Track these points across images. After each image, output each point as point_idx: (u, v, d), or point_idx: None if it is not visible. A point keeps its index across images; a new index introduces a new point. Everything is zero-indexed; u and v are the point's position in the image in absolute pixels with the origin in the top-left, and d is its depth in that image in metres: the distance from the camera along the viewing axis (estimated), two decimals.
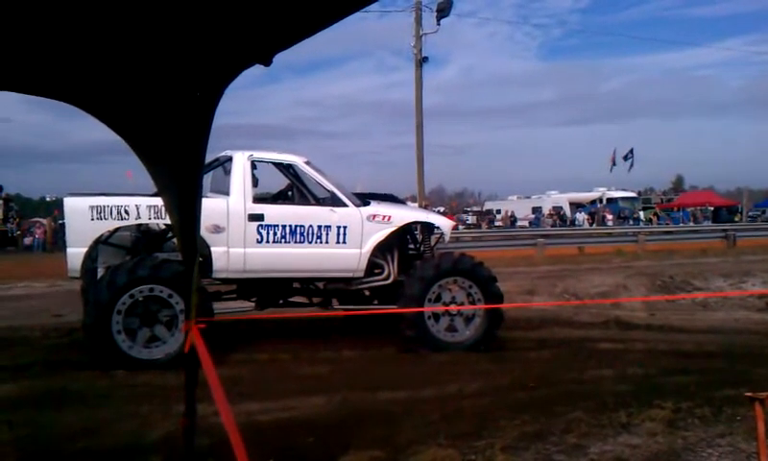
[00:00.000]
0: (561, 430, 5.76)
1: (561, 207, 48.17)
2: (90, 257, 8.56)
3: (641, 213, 45.46)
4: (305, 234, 8.81)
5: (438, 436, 5.57)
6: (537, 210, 48.49)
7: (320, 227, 8.87)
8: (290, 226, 8.79)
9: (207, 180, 9.01)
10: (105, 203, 8.32)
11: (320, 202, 9.12)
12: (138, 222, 8.56)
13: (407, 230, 9.81)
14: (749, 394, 4.41)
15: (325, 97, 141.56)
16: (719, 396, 6.45)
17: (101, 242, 8.62)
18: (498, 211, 53.35)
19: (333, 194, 9.13)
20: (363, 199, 9.64)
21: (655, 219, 44.56)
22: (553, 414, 6.18)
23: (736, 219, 42.59)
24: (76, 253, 8.27)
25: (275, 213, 8.81)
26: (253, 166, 8.97)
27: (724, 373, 7.69)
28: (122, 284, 7.98)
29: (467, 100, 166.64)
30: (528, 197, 54.44)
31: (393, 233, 9.24)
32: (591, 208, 44.73)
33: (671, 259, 21.08)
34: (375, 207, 9.36)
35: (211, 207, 8.41)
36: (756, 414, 4.26)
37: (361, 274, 9.15)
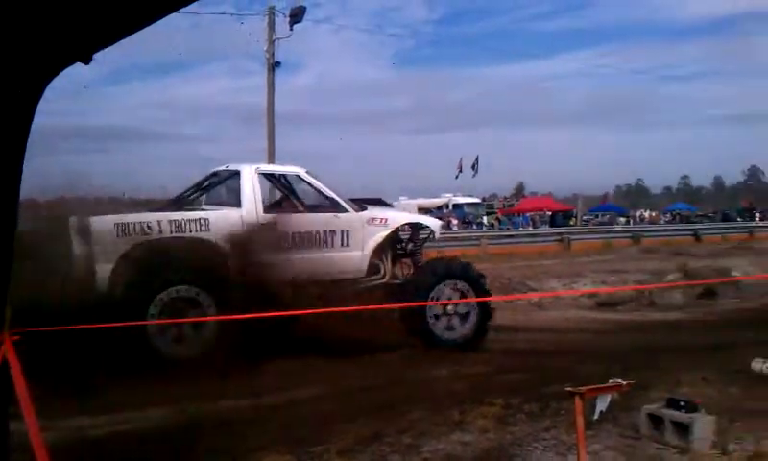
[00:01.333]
0: (397, 431, 5.84)
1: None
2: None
3: (485, 218, 47.12)
4: (313, 240, 9.17)
5: (277, 443, 5.50)
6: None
7: (325, 232, 9.26)
8: (299, 233, 9.09)
9: (221, 193, 9.79)
10: (129, 220, 8.45)
11: (323, 208, 9.56)
12: (161, 237, 8.56)
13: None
14: (569, 389, 4.66)
15: (178, 99, 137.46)
16: (547, 392, 6.76)
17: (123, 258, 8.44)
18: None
19: (335, 200, 9.57)
20: (359, 204, 10.01)
21: (497, 223, 46.29)
22: (391, 415, 6.28)
23: (571, 223, 44.96)
24: (103, 269, 8.22)
25: (284, 222, 9.14)
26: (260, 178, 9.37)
27: (553, 370, 8.07)
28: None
29: (321, 106, 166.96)
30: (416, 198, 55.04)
31: (389, 235, 9.75)
32: (438, 214, 46.00)
33: (510, 262, 21.99)
34: (373, 211, 9.90)
35: (225, 219, 8.86)
36: (575, 408, 4.49)
37: (363, 274, 9.55)
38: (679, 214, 58.85)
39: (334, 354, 8.59)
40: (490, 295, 9.97)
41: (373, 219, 9.67)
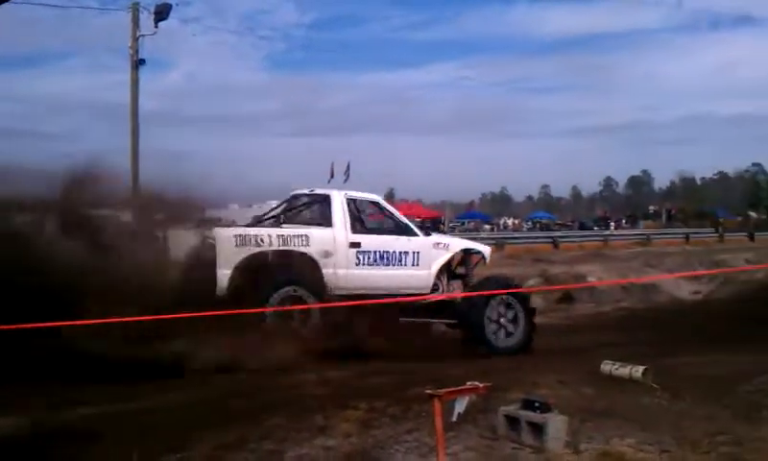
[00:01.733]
0: (259, 437, 5.73)
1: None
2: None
3: None
4: (390, 258, 10.69)
5: (132, 452, 5.26)
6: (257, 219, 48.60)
7: (401, 252, 10.73)
8: (379, 252, 10.65)
9: (305, 213, 11.56)
10: (246, 233, 10.11)
11: (397, 231, 11.03)
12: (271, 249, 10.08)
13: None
14: (429, 391, 4.72)
15: (36, 94, 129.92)
16: (410, 394, 6.80)
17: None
18: (219, 220, 52.55)
19: (407, 225, 11.24)
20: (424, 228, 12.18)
21: None
22: (255, 422, 6.15)
23: (440, 230, 46.01)
24: (224, 273, 9.70)
25: (368, 241, 10.62)
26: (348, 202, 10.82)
27: (417, 372, 8.17)
28: None
29: (191, 106, 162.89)
30: (250, 205, 54.25)
31: (449, 258, 11.28)
32: None
33: None
34: (438, 237, 11.92)
35: (321, 237, 10.41)
36: (434, 410, 4.56)
37: (428, 291, 10.85)
38: (539, 222, 61.49)
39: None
40: (534, 311, 11.41)
41: (438, 243, 11.22)
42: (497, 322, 10.81)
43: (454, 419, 5.38)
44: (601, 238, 39.33)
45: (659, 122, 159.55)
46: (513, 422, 5.57)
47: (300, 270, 10.12)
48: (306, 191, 11.58)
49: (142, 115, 25.20)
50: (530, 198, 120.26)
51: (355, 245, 10.48)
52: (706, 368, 8.54)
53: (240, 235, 10.00)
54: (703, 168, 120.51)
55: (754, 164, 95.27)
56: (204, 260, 10.05)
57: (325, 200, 10.88)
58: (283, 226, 10.78)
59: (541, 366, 8.64)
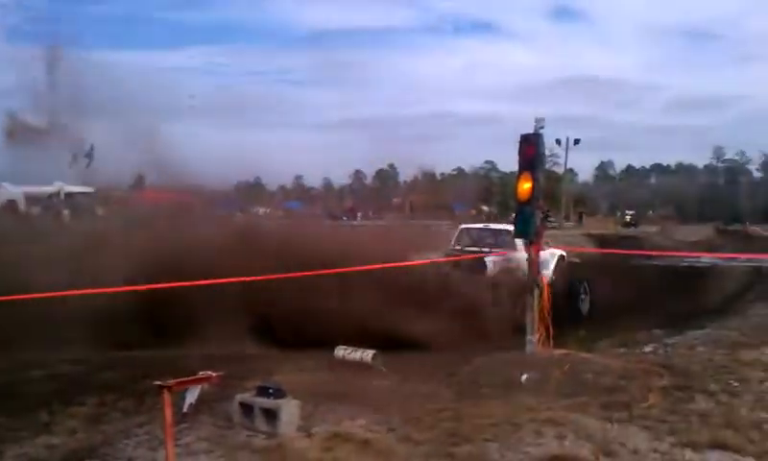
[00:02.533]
0: None
1: (15, 201, 44.50)
2: None
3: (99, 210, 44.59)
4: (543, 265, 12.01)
5: None
6: None
7: (544, 261, 12.50)
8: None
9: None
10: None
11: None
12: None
13: None
14: (158, 383, 4.56)
15: None
16: (144, 386, 6.55)
17: None
18: None
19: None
20: None
21: None
22: None
23: None
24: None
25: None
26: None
27: (155, 364, 7.87)
28: None
29: None
30: None
31: (557, 261, 15.83)
32: (48, 203, 42.38)
33: None
34: (552, 249, 15.82)
35: (522, 256, 10.78)
36: (163, 401, 4.42)
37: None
38: (291, 212, 62.12)
39: None
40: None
41: (553, 253, 15.59)
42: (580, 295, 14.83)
43: (186, 410, 5.29)
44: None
45: (405, 117, 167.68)
46: (247, 409, 5.57)
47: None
48: (480, 226, 18.20)
49: None
50: (283, 187, 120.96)
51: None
52: (432, 352, 9.18)
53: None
54: (443, 164, 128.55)
55: (487, 162, 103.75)
56: None
57: (507, 233, 14.18)
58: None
59: (282, 353, 8.74)
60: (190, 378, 4.91)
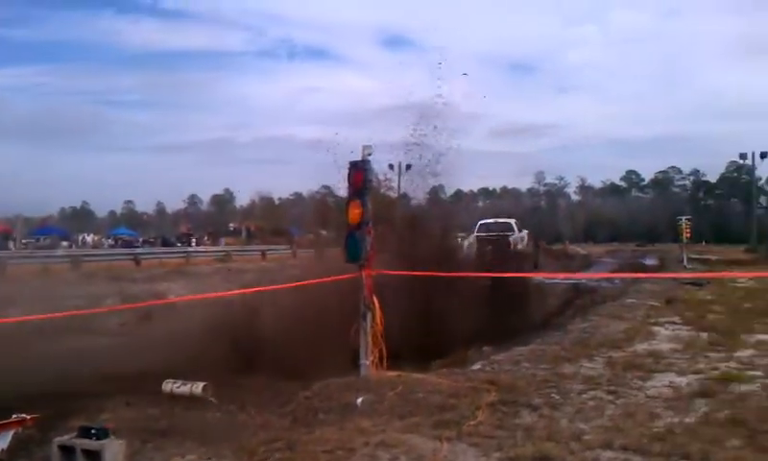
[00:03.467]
0: None
1: None
2: None
3: None
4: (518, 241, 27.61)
5: None
6: None
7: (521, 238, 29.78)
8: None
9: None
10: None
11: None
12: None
13: None
14: None
15: None
16: None
17: None
18: None
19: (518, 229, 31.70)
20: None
21: None
22: None
23: (11, 246, 41.96)
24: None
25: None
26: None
27: None
28: None
29: None
30: None
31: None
32: None
33: None
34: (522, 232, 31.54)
35: (520, 237, 29.86)
36: None
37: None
38: (121, 239, 59.63)
39: None
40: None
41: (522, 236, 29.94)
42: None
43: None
44: (183, 255, 39.43)
45: (241, 142, 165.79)
46: (68, 452, 5.24)
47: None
48: (493, 220, 32.72)
49: None
50: (113, 213, 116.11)
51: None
52: (273, 379, 9.06)
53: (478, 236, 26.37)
54: (281, 188, 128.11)
55: (324, 186, 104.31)
56: None
57: (509, 224, 29.47)
58: None
59: (114, 388, 8.30)
60: (2, 422, 4.55)
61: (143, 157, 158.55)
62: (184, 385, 7.52)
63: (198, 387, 7.43)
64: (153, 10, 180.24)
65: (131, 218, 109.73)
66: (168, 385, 7.57)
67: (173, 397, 7.47)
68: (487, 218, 34.50)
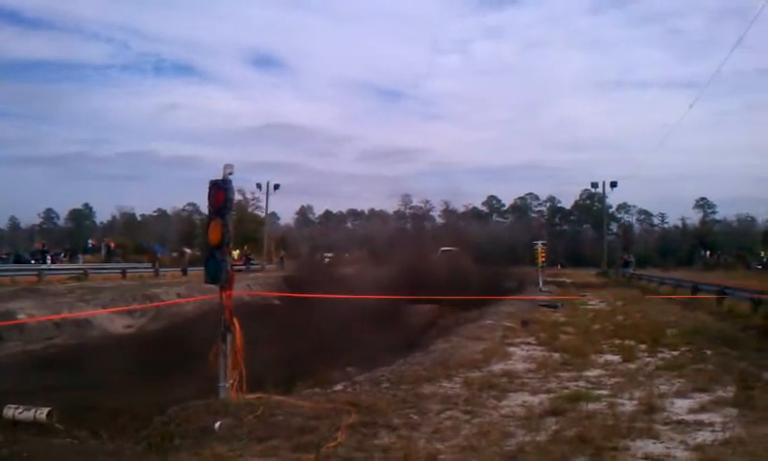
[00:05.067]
0: None
1: None
2: None
3: None
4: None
5: None
6: None
7: None
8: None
9: None
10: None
11: None
12: None
13: None
14: None
15: None
16: None
17: None
18: None
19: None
20: None
21: None
22: None
23: None
24: None
25: None
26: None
27: None
28: None
29: None
30: None
31: None
32: None
33: None
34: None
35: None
36: None
37: None
38: None
39: None
40: None
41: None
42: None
43: None
44: (36, 272, 37.23)
45: (101, 157, 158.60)
46: None
47: None
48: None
49: None
50: None
51: None
52: (129, 402, 8.72)
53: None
54: (143, 205, 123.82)
55: (189, 204, 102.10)
56: None
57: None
58: None
59: None
60: None
61: None
62: (27, 411, 7.09)
63: (42, 413, 7.03)
64: (12, 17, 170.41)
65: None
66: (10, 411, 7.12)
67: (15, 423, 7.03)
68: None
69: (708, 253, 79.97)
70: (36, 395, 8.69)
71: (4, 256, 55.53)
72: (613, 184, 64.38)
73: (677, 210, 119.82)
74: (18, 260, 50.79)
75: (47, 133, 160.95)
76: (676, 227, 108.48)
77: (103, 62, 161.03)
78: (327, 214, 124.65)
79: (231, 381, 7.84)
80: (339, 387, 9.43)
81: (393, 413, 7.59)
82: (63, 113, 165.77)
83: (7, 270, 37.74)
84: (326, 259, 69.70)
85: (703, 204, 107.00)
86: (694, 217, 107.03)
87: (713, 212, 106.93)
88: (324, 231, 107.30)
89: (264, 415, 7.22)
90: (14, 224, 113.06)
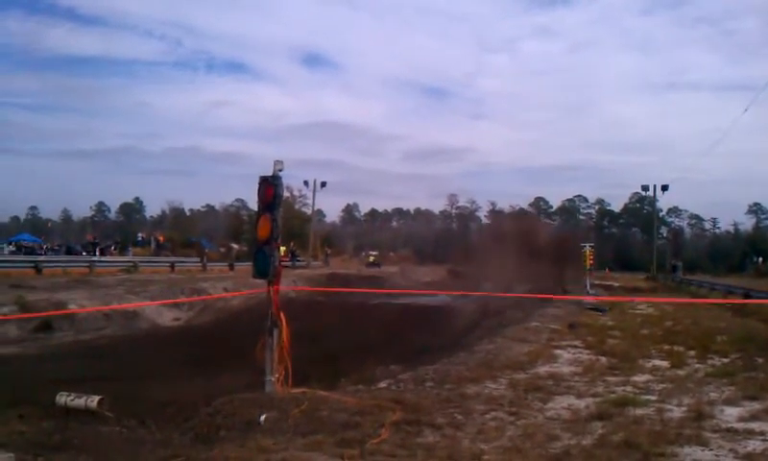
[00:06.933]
0: None
1: None
2: None
3: None
4: None
5: None
6: None
7: None
8: None
9: None
10: None
11: None
12: None
13: None
14: None
15: None
16: None
17: None
18: None
19: None
20: None
21: None
22: None
23: None
24: None
25: None
26: None
27: None
28: None
29: None
30: None
31: None
32: None
33: None
34: None
35: None
36: None
37: None
38: (23, 245, 57.21)
39: None
40: None
41: None
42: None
43: None
44: (87, 264, 38.03)
45: (151, 151, 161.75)
46: None
47: None
48: None
49: None
50: (16, 218, 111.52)
51: None
52: (176, 393, 8.83)
53: None
54: (192, 200, 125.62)
55: (237, 199, 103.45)
56: None
57: None
58: None
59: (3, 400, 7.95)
60: None
61: (49, 161, 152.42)
62: (79, 398, 7.22)
63: (93, 401, 7.16)
64: (68, 13, 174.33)
65: (34, 224, 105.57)
66: (62, 398, 7.26)
67: (67, 410, 7.18)
68: None
69: (760, 259, 77.81)
70: (87, 383, 8.84)
71: (56, 248, 56.84)
72: (664, 188, 63.02)
73: (729, 215, 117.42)
74: (70, 252, 51.91)
75: (99, 127, 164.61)
76: (728, 232, 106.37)
77: (155, 59, 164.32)
78: (373, 213, 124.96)
79: (277, 375, 7.90)
80: (383, 384, 9.44)
81: (437, 412, 7.56)
82: (114, 109, 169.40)
83: (59, 261, 38.62)
84: (371, 258, 70.28)
85: (756, 209, 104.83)
86: (747, 223, 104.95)
87: (767, 218, 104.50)
88: (369, 230, 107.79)
89: (309, 410, 7.24)
90: (67, 216, 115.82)
